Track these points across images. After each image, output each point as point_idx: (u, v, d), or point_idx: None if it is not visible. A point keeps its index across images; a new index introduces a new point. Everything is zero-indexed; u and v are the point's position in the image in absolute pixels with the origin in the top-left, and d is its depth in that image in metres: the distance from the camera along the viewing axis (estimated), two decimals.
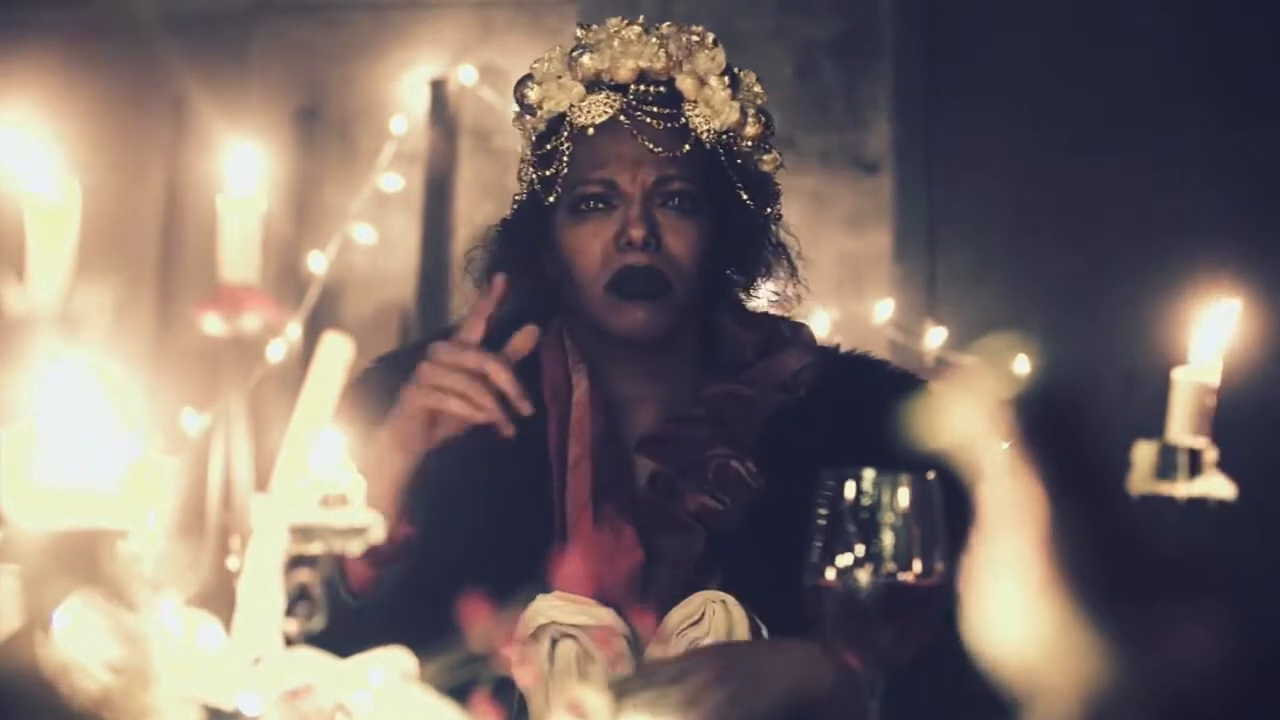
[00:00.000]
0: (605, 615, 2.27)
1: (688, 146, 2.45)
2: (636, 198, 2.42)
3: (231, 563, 1.31)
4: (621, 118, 2.45)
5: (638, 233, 2.39)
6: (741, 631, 2.23)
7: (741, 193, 2.50)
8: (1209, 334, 1.42)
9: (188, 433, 4.65)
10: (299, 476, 1.22)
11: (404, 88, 5.26)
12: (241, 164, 1.38)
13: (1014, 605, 1.08)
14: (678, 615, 2.26)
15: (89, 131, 1.28)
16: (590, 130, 2.46)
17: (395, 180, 5.15)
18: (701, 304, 2.50)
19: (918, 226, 5.02)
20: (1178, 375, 1.39)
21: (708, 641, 2.22)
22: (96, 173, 1.31)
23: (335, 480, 1.23)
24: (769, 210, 2.57)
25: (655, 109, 2.46)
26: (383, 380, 2.45)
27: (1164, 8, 4.89)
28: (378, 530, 1.25)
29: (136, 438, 1.15)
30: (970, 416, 1.15)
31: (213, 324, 1.34)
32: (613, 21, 2.51)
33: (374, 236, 5.13)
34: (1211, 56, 4.85)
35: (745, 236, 2.54)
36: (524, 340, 2.31)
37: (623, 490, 2.44)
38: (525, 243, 2.53)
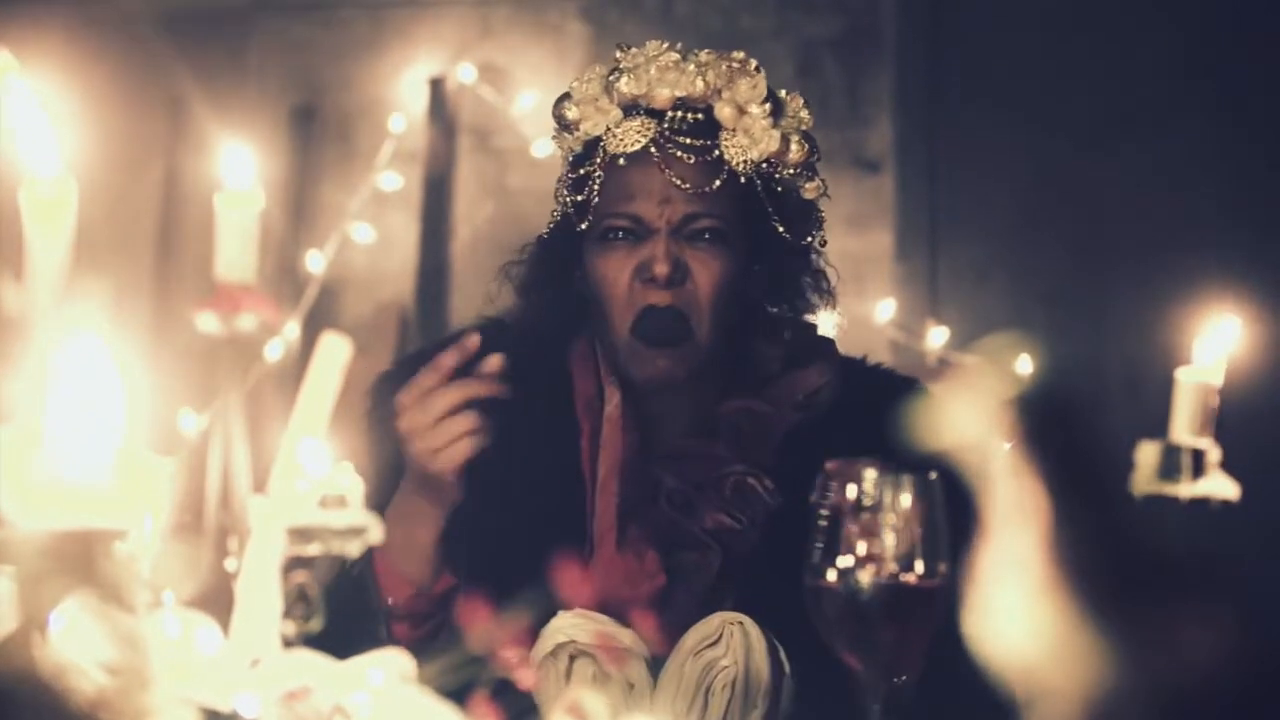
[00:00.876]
0: (624, 636, 2.27)
1: (718, 183, 2.42)
2: (663, 233, 2.41)
3: (229, 564, 1.31)
4: (652, 149, 2.44)
5: (662, 270, 2.38)
6: (759, 653, 2.22)
7: (777, 225, 2.48)
8: (1212, 335, 1.42)
9: (185, 433, 4.65)
10: (297, 477, 1.22)
11: (403, 86, 5.26)
12: (239, 162, 1.38)
13: (1016, 606, 1.08)
14: (695, 636, 2.26)
15: (85, 129, 1.28)
16: (621, 160, 2.44)
17: (394, 179, 5.15)
18: (732, 332, 2.48)
19: (920, 225, 5.02)
20: (1181, 375, 1.40)
21: (725, 663, 2.22)
22: (93, 171, 1.31)
23: (333, 481, 1.23)
24: (809, 239, 2.55)
25: (688, 140, 2.43)
26: (398, 385, 2.45)
27: (1168, 5, 4.89)
28: (375, 532, 1.25)
29: (134, 438, 1.15)
30: (973, 417, 1.15)
31: (210, 323, 1.34)
32: (651, 44, 2.48)
33: (372, 235, 5.13)
34: (1217, 53, 4.85)
35: (779, 267, 2.53)
36: (473, 340, 2.31)
37: (649, 510, 2.44)
38: (559, 261, 2.53)
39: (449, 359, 2.29)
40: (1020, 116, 4.99)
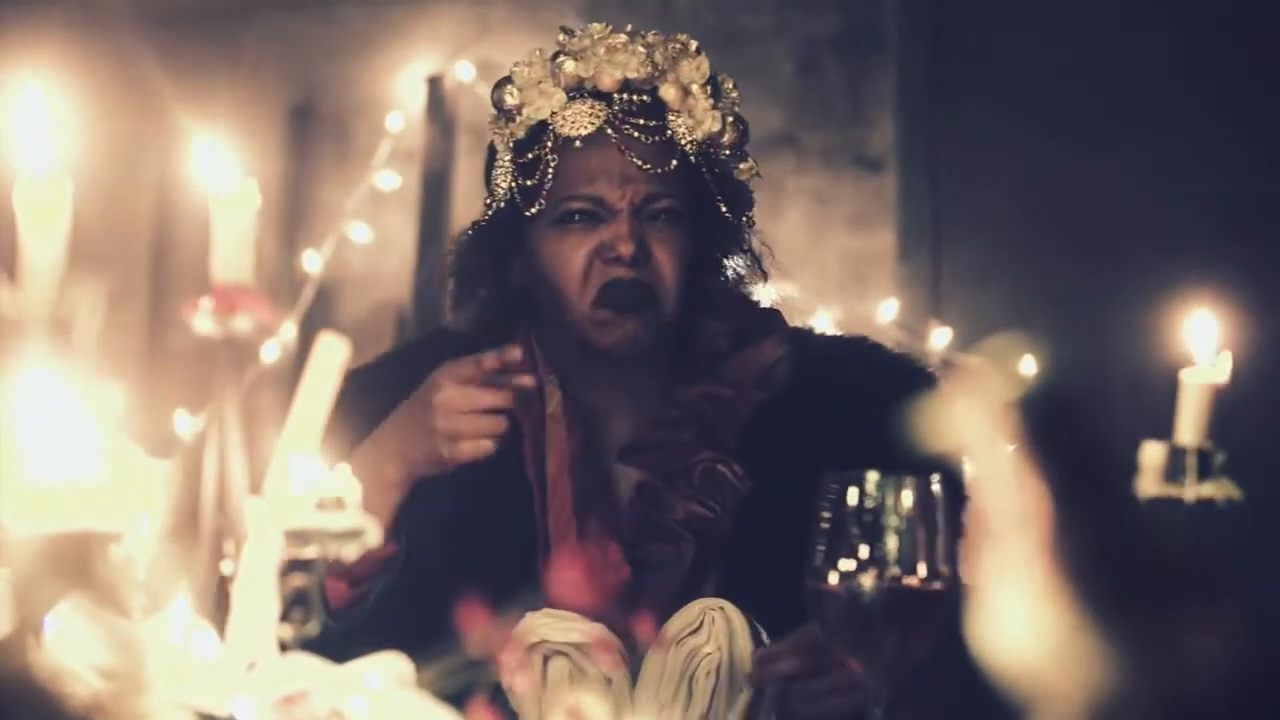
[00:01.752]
0: (596, 630, 2.27)
1: (674, 163, 2.45)
2: (625, 214, 2.42)
3: (225, 567, 1.31)
4: (608, 130, 2.45)
5: (627, 249, 2.40)
6: (742, 638, 2.23)
7: (721, 204, 2.50)
8: (1216, 335, 1.42)
9: (180, 435, 4.65)
10: (294, 480, 1.22)
11: (400, 84, 5.26)
12: (235, 162, 1.38)
13: (1019, 609, 1.08)
14: (677, 624, 2.26)
15: (80, 128, 1.28)
16: (577, 143, 2.45)
17: (391, 178, 5.15)
18: (682, 313, 2.50)
19: (922, 226, 5.02)
20: (1185, 376, 1.40)
21: (708, 649, 2.22)
22: (88, 170, 1.31)
23: (330, 483, 1.23)
24: (745, 218, 2.56)
25: (641, 121, 2.45)
26: (370, 385, 2.45)
27: (1169, 5, 4.89)
28: (374, 534, 1.25)
29: (129, 440, 1.15)
30: (975, 418, 1.15)
31: (205, 324, 1.34)
32: (595, 27, 2.50)
33: (370, 235, 5.13)
34: (1219, 53, 4.85)
35: (722, 247, 2.55)
36: (514, 352, 2.31)
37: (604, 504, 2.44)
38: (497, 250, 2.53)
39: (492, 361, 2.29)
40: (1023, 116, 4.99)
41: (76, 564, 1.11)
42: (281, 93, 5.34)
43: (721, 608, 2.25)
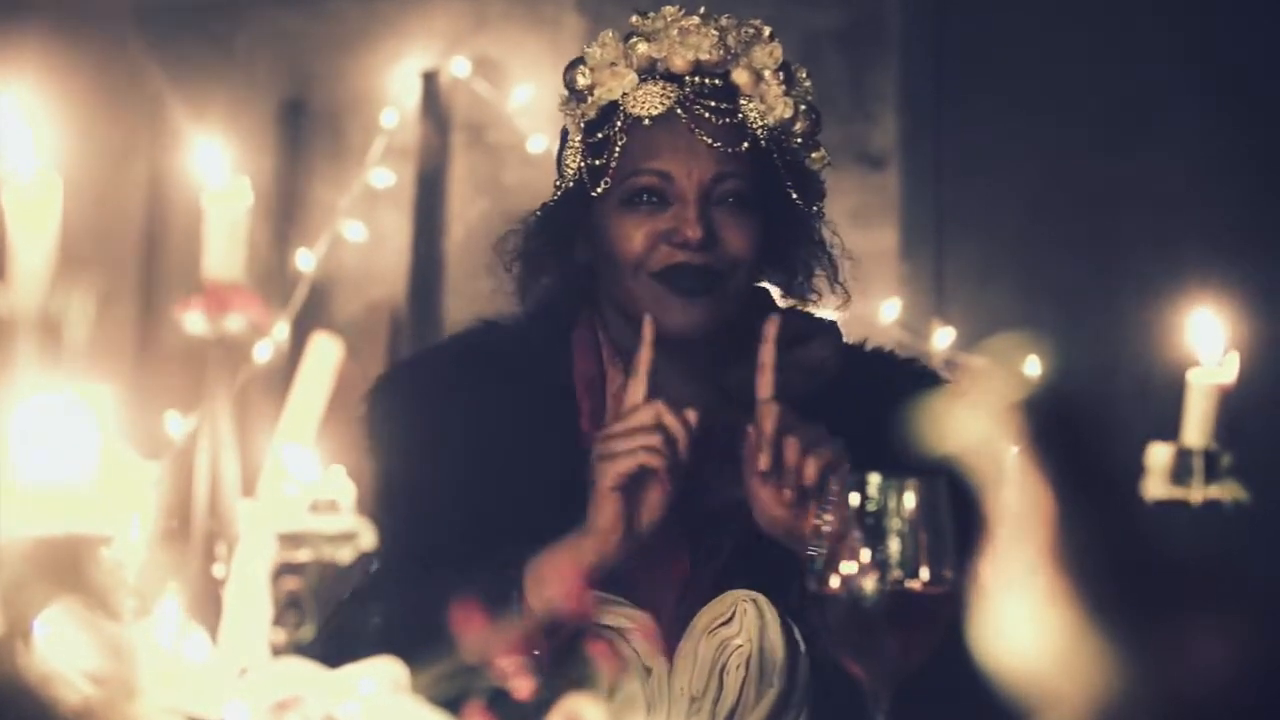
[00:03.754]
0: (640, 616, 2.28)
1: (745, 145, 2.45)
2: (693, 195, 2.42)
3: (218, 570, 1.31)
4: (678, 110, 2.45)
5: (694, 233, 2.39)
6: (774, 631, 2.24)
7: (791, 191, 2.50)
8: (1224, 335, 1.42)
9: (172, 436, 4.65)
10: (287, 482, 1.23)
11: (395, 80, 5.26)
12: (227, 159, 1.38)
13: (1023, 613, 1.08)
14: (707, 616, 2.27)
15: (69, 126, 1.28)
16: (646, 121, 2.46)
17: (386, 176, 5.15)
18: (747, 299, 2.50)
19: (925, 223, 5.03)
20: (1193, 377, 1.40)
21: (739, 641, 2.23)
22: (77, 168, 1.31)
23: (324, 485, 1.24)
24: (815, 208, 2.57)
25: (712, 103, 2.46)
26: (410, 386, 2.45)
27: (1177, 3, 4.90)
28: (367, 537, 1.25)
29: (119, 441, 1.15)
30: (979, 419, 1.15)
31: (197, 324, 1.34)
32: (669, 10, 2.51)
33: (364, 233, 5.13)
34: (1229, 48, 4.86)
35: (792, 235, 2.55)
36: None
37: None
38: (565, 232, 2.54)
39: (647, 357, 2.35)
40: (1028, 110, 4.99)
41: (67, 567, 1.11)
42: (274, 89, 5.34)
43: (754, 599, 2.25)
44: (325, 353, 1.28)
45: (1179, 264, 4.46)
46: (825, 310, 2.65)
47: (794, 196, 2.51)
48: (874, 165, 5.04)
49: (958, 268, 5.01)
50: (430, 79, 5.25)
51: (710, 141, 2.43)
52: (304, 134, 5.32)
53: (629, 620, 2.27)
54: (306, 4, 5.35)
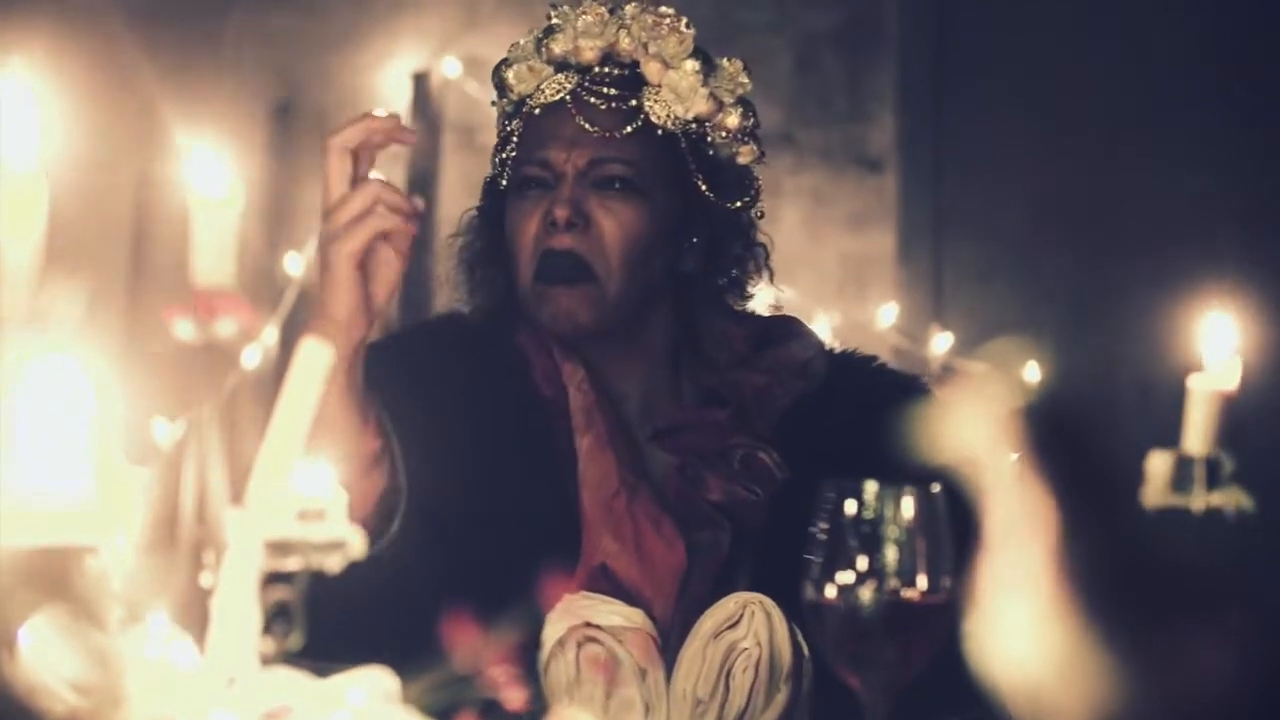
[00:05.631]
0: (636, 616, 2.28)
1: (630, 128, 2.46)
2: (569, 177, 2.44)
3: (205, 579, 1.31)
4: (567, 98, 2.48)
5: (561, 212, 2.42)
6: (781, 634, 2.24)
7: (700, 183, 2.50)
8: (1226, 340, 1.42)
9: (159, 443, 4.64)
10: (275, 489, 1.23)
11: (385, 80, 5.26)
12: (215, 161, 1.38)
13: (1022, 623, 1.08)
14: (712, 619, 2.26)
15: (55, 127, 1.28)
16: (537, 111, 2.49)
17: (376, 177, 5.14)
18: (657, 297, 2.50)
19: (923, 226, 5.03)
20: (1194, 383, 1.40)
21: (746, 644, 2.23)
22: (63, 170, 1.31)
23: (313, 493, 1.24)
24: (739, 204, 2.56)
25: (604, 89, 2.48)
26: (374, 362, 2.45)
27: (1181, 1, 4.90)
28: (358, 545, 1.25)
29: (106, 448, 1.15)
30: (978, 426, 1.16)
31: (185, 329, 1.34)
32: (588, 3, 2.53)
33: None
34: (1230, 49, 4.86)
35: (711, 232, 2.54)
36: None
37: (645, 481, 2.44)
38: (493, 228, 2.55)
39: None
40: (1028, 112, 4.99)
41: (52, 577, 1.11)
42: (262, 89, 5.33)
43: (760, 601, 2.25)
44: (314, 357, 1.28)
45: (1180, 268, 4.46)
46: (814, 316, 2.66)
47: (703, 188, 2.50)
48: (872, 168, 5.04)
49: (956, 271, 5.01)
50: (421, 79, 5.25)
51: (589, 126, 2.45)
52: (293, 135, 5.32)
53: (623, 619, 2.27)
54: (295, 3, 5.35)
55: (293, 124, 5.33)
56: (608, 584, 2.33)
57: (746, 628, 2.24)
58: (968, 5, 5.07)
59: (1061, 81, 4.99)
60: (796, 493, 2.39)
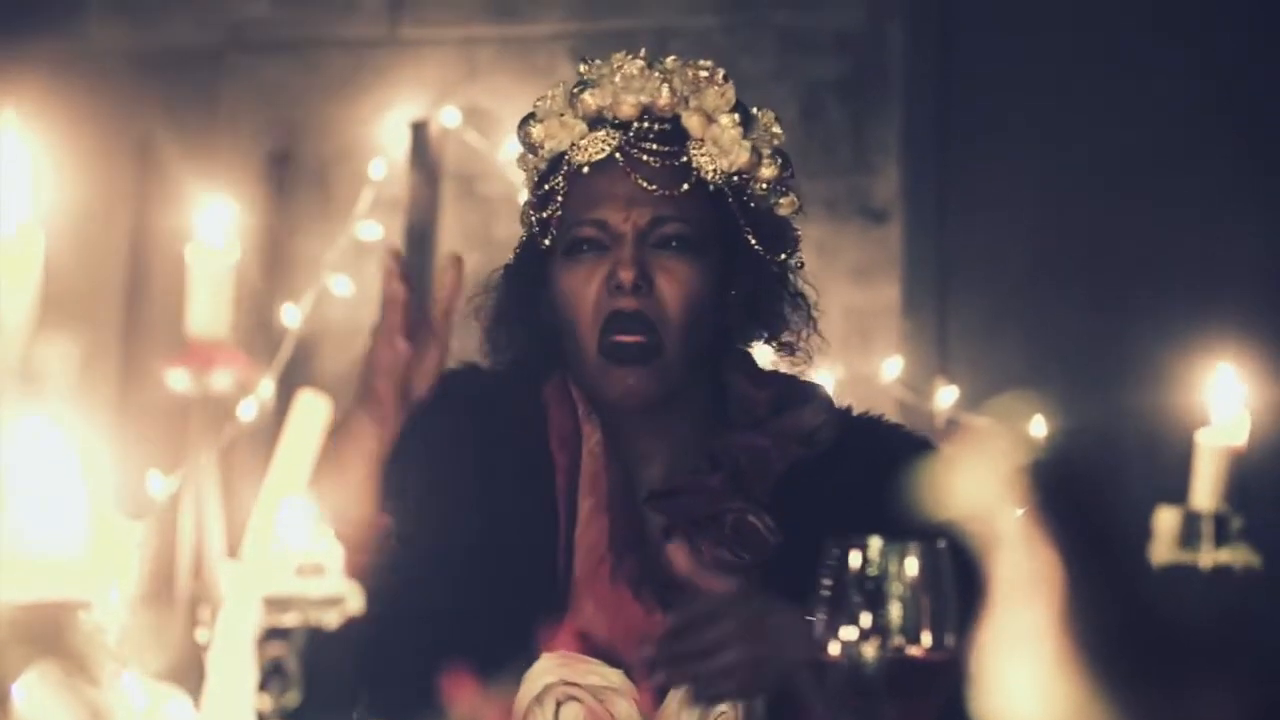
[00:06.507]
0: (614, 676, 2.28)
1: (686, 185, 2.44)
2: (629, 238, 2.42)
3: (201, 635, 1.31)
4: (617, 155, 2.46)
5: (626, 274, 2.40)
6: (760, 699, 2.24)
7: (750, 238, 2.50)
8: (1235, 394, 1.42)
9: (154, 496, 4.64)
10: (272, 544, 1.23)
11: (383, 130, 5.27)
12: (211, 211, 1.39)
13: (1028, 681, 1.08)
14: None
15: (50, 176, 1.29)
16: (585, 169, 2.47)
17: (374, 228, 5.15)
18: (706, 358, 2.50)
19: (928, 278, 5.03)
20: (1202, 438, 1.40)
21: (722, 708, 2.23)
22: (58, 220, 1.31)
23: (311, 548, 1.24)
24: (783, 256, 2.56)
25: (654, 146, 2.46)
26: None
27: (1188, 47, 4.91)
28: (355, 601, 1.25)
29: (101, 502, 1.15)
30: (983, 481, 1.16)
31: (181, 381, 1.34)
32: (616, 56, 2.51)
33: (351, 288, 5.13)
34: (1242, 95, 4.87)
35: (756, 285, 2.54)
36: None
37: (637, 548, 2.44)
38: (524, 289, 2.55)
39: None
40: (1034, 162, 5.00)
41: (46, 632, 1.11)
42: (259, 139, 5.34)
43: None
44: (312, 410, 1.28)
45: (1187, 321, 4.46)
46: (817, 371, 2.65)
47: (753, 242, 2.51)
48: (876, 219, 5.04)
49: (962, 324, 5.01)
50: (419, 129, 5.25)
51: (647, 185, 2.43)
52: (290, 185, 5.32)
53: (601, 679, 2.28)
54: (292, 52, 5.36)
55: (289, 173, 5.33)
56: (587, 646, 2.33)
57: None
58: (973, 56, 5.08)
59: (1067, 132, 5.00)
60: (791, 557, 2.39)
